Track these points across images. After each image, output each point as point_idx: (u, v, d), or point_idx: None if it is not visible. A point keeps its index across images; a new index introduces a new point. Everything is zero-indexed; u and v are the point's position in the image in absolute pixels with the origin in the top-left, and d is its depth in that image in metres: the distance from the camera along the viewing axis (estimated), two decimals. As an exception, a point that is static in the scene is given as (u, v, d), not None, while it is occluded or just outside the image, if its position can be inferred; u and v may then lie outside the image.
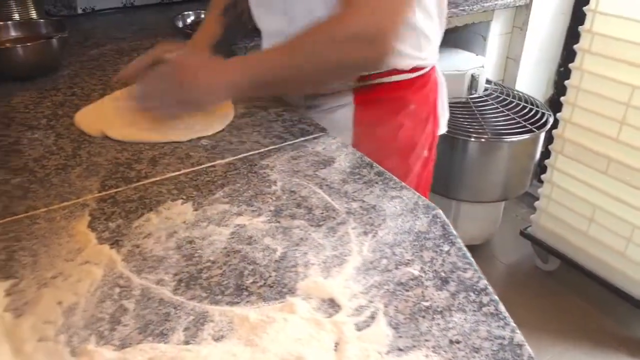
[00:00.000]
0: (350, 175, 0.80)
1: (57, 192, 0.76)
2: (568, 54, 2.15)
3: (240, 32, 1.16)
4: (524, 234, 2.07)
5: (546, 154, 1.96)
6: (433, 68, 1.06)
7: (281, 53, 0.85)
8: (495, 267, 2.12)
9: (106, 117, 0.94)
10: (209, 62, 0.87)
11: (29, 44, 1.10)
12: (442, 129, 1.17)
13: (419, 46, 0.99)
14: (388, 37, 0.80)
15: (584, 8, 1.70)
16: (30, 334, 0.54)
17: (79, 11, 1.64)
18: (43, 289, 0.59)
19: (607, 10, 1.63)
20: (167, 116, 0.90)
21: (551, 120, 1.91)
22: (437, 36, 1.04)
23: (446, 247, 0.66)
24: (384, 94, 1.01)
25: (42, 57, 1.13)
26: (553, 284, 2.04)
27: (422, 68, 1.02)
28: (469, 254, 0.66)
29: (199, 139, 0.90)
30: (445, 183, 1.88)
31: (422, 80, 1.03)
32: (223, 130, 0.93)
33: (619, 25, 1.60)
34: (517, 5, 2.01)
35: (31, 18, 1.37)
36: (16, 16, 1.36)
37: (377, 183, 0.79)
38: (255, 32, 1.21)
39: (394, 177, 0.80)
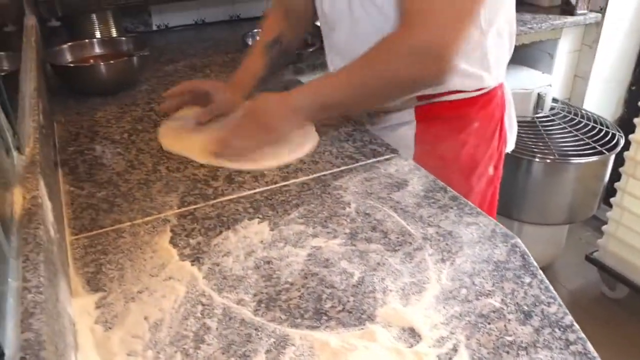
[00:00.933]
0: (425, 199, 0.80)
1: (140, 206, 0.79)
2: (641, 73, 2.07)
3: (282, 64, 1.17)
4: (589, 259, 1.99)
5: (616, 176, 1.88)
6: (500, 85, 1.05)
7: (345, 74, 0.87)
8: (558, 292, 2.00)
9: (191, 141, 0.96)
10: (278, 97, 0.90)
11: (112, 61, 1.16)
12: (510, 146, 1.14)
13: (488, 67, 0.98)
14: (449, 51, 0.80)
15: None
16: (120, 348, 0.56)
17: (154, 28, 1.72)
18: (130, 304, 0.61)
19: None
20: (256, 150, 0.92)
21: (622, 141, 1.83)
22: (506, 56, 1.02)
23: (527, 279, 0.64)
24: (446, 112, 1.00)
25: (123, 74, 1.19)
26: (621, 312, 1.94)
27: (488, 86, 1.00)
28: (551, 287, 0.64)
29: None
30: (508, 203, 1.83)
31: (487, 98, 1.02)
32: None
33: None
34: (587, 23, 1.95)
35: (112, 36, 1.44)
36: (97, 33, 1.43)
37: (452, 208, 0.78)
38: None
39: (469, 203, 0.79)
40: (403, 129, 1.03)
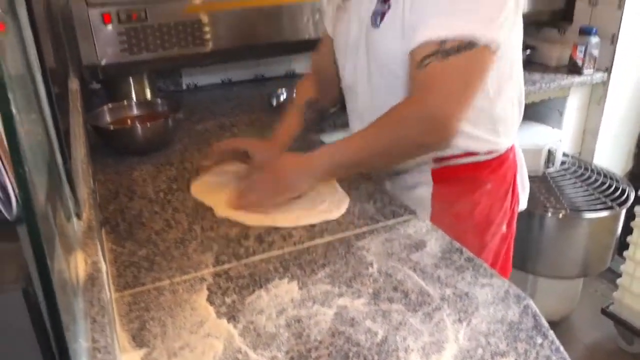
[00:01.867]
0: (442, 260, 0.85)
1: (177, 265, 0.86)
2: (649, 128, 2.13)
3: (317, 123, 1.28)
4: (605, 312, 2.00)
5: (628, 229, 1.91)
6: (511, 147, 1.12)
7: (360, 136, 0.97)
8: (574, 346, 2.04)
9: (220, 195, 1.04)
10: (296, 158, 1.00)
11: (149, 124, 1.25)
12: (522, 204, 1.20)
13: (496, 132, 1.05)
14: (452, 121, 0.89)
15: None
16: (166, 401, 0.61)
17: (184, 87, 1.83)
18: (173, 359, 0.67)
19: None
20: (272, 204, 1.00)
21: (632, 195, 1.88)
22: (516, 121, 1.10)
23: (539, 340, 0.69)
24: (460, 174, 1.08)
25: (159, 135, 1.28)
26: (638, 368, 1.94)
27: (498, 150, 1.07)
28: (562, 348, 0.69)
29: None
30: (522, 257, 1.87)
31: (499, 160, 1.09)
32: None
33: None
34: (594, 82, 2.03)
35: (147, 97, 1.54)
36: (133, 93, 1.53)
37: (467, 269, 0.83)
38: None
39: (484, 264, 0.85)
40: (421, 190, 1.10)
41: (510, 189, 1.13)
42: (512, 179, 1.13)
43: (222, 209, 1.00)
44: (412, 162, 1.07)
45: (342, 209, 1.00)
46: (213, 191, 1.06)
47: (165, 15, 1.44)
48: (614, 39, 2.01)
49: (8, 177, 0.40)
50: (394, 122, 0.93)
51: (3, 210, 0.41)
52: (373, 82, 1.05)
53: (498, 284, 0.80)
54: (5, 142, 0.37)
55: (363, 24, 1.02)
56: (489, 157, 1.07)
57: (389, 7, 0.97)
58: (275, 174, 0.99)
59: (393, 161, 1.04)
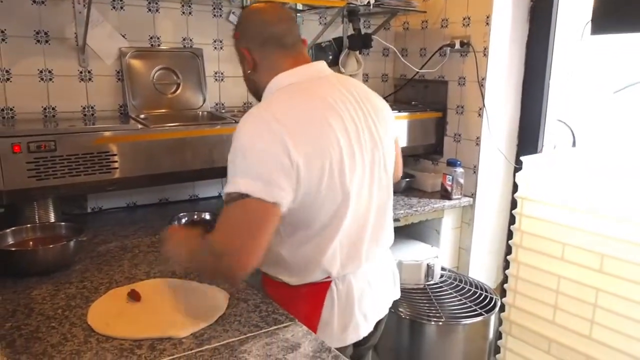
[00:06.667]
0: (313, 359, 0.99)
1: (71, 374, 0.92)
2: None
3: None
4: (487, 416, 2.15)
5: (499, 333, 2.14)
6: (307, 285, 1.23)
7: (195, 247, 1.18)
8: None
9: (112, 315, 1.13)
10: (181, 235, 1.29)
11: (50, 246, 1.33)
12: (349, 338, 1.27)
13: (285, 269, 1.23)
14: (232, 257, 1.04)
15: (513, 211, 2.04)
16: None
17: (89, 210, 1.92)
18: None
19: (530, 212, 1.97)
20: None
21: (499, 303, 2.13)
22: (309, 268, 1.21)
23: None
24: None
25: (61, 257, 1.35)
26: None
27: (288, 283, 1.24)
28: None
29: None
30: (402, 362, 2.02)
31: (290, 290, 1.23)
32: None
33: (542, 226, 1.93)
34: (463, 205, 2.37)
35: (51, 220, 1.62)
36: (37, 216, 1.61)
37: (334, 365, 0.97)
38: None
39: (348, 361, 0.99)
40: None
41: (304, 316, 1.20)
42: (306, 309, 1.23)
43: (118, 330, 1.07)
44: None
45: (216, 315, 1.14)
46: (110, 313, 1.14)
47: (74, 146, 1.57)
48: (475, 169, 2.39)
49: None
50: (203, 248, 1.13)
51: None
52: None
53: (359, 377, 0.94)
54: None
55: None
56: (283, 283, 1.25)
57: None
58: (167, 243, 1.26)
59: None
